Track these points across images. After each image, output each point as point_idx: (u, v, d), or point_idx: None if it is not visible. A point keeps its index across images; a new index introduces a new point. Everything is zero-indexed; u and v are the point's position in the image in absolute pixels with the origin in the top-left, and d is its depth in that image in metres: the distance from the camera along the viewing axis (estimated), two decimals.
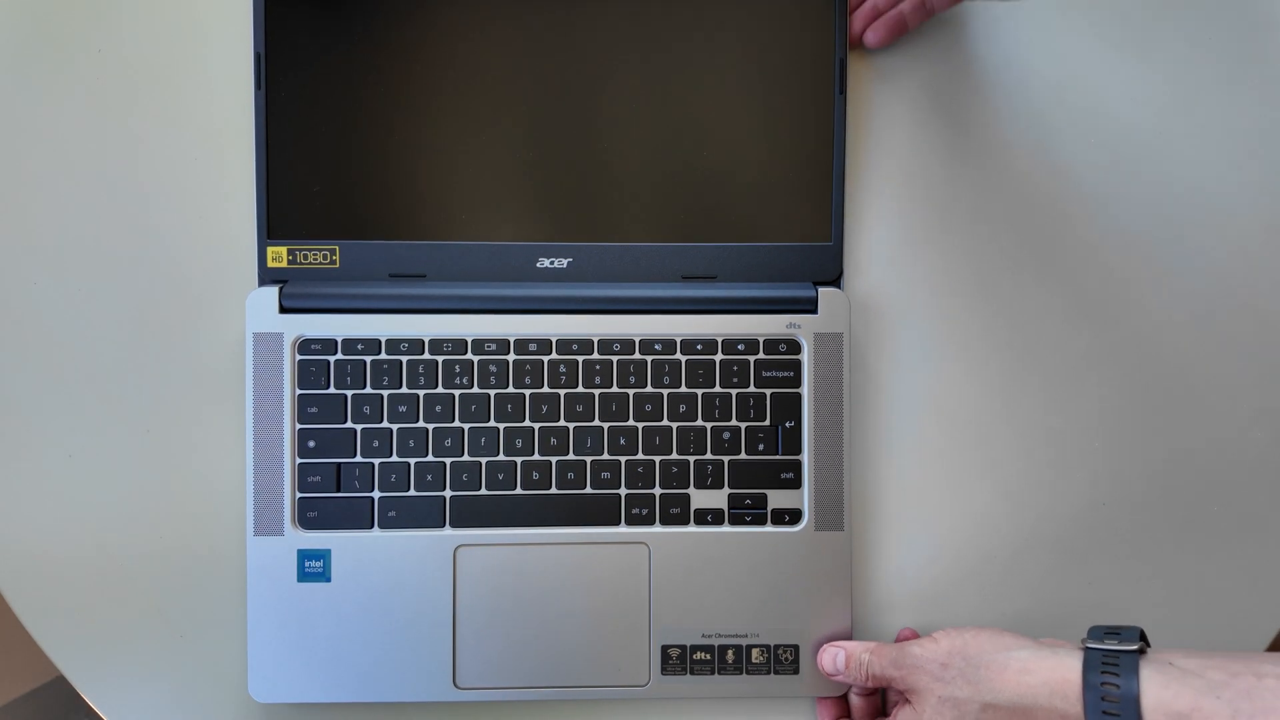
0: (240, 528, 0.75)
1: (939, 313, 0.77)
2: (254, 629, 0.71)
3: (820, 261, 0.74)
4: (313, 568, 0.72)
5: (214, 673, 0.76)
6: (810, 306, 0.74)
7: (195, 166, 0.78)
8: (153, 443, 0.76)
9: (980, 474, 0.76)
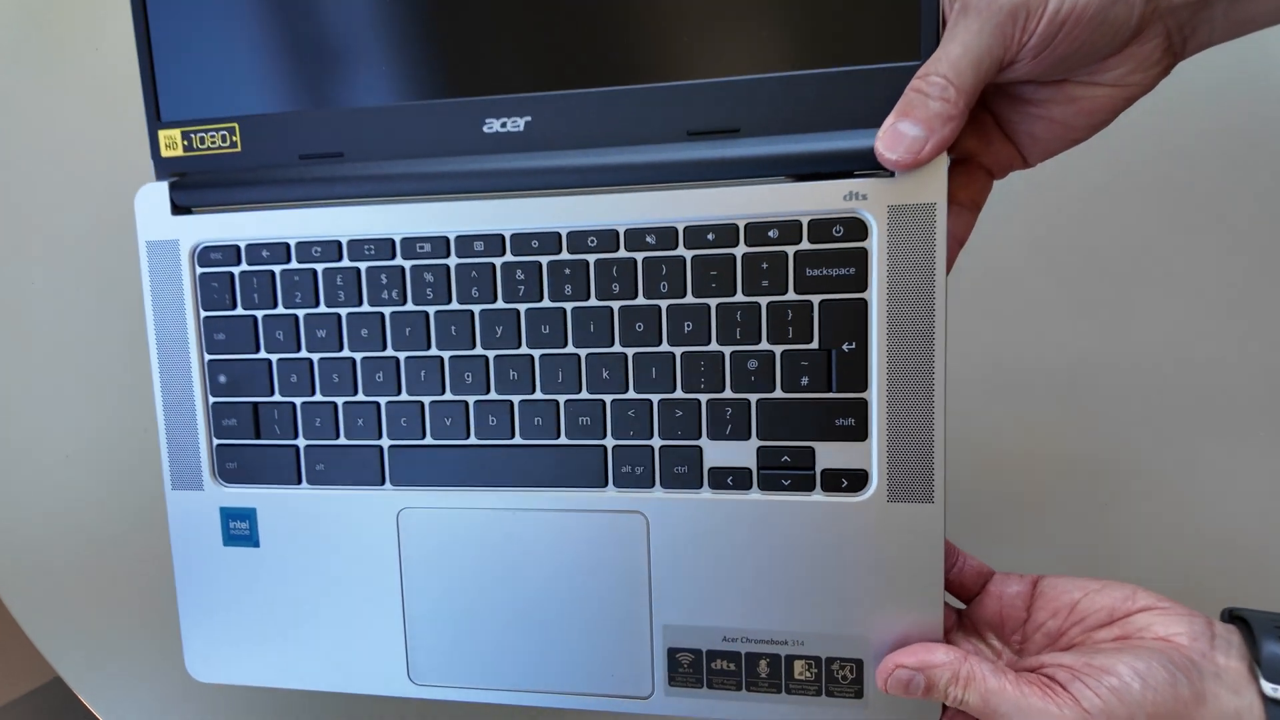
0: None
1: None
2: (184, 598, 0.43)
3: (899, 94, 0.34)
4: (238, 529, 0.41)
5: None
6: (882, 165, 0.34)
7: None
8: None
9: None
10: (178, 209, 0.41)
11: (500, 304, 0.39)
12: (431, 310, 0.39)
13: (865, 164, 0.35)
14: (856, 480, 0.37)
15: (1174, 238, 0.50)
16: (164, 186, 0.41)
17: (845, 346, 0.36)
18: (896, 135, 0.34)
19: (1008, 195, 0.50)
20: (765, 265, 0.36)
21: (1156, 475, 0.51)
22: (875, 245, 0.35)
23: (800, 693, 0.38)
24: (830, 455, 0.37)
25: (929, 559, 0.36)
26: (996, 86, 0.35)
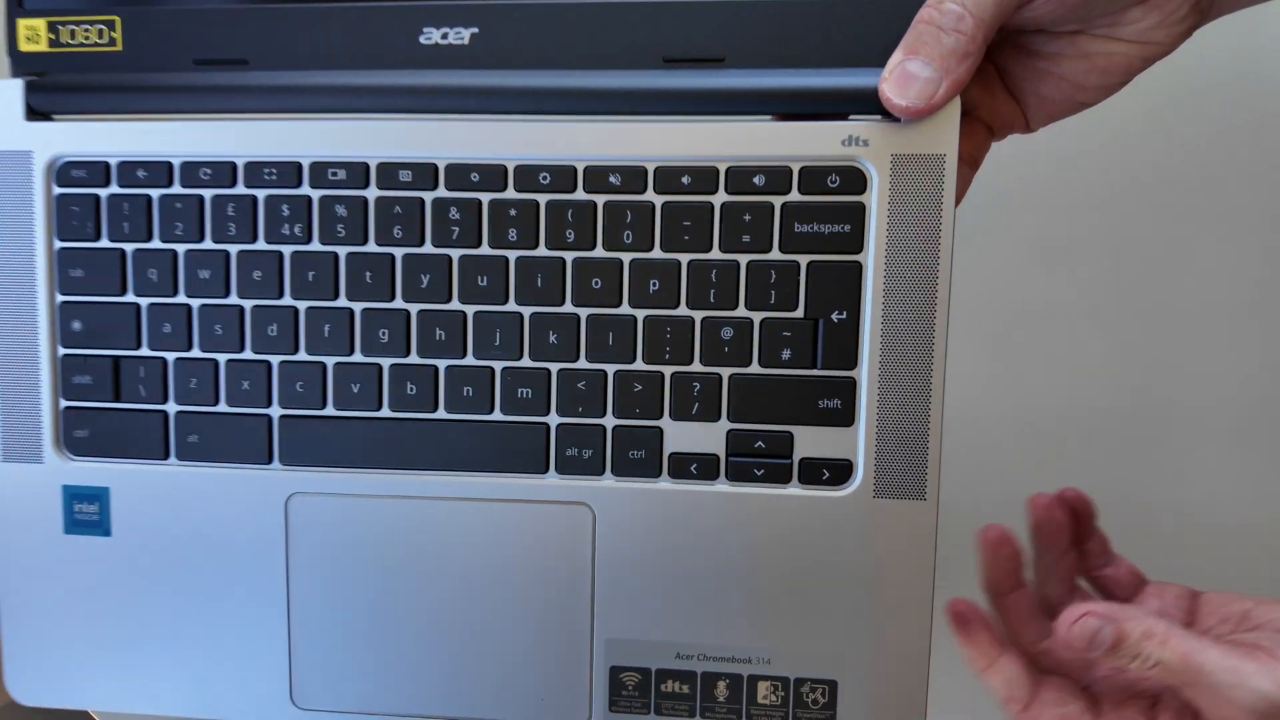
0: None
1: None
2: (8, 597, 0.29)
3: (907, 24, 0.29)
4: (84, 513, 0.32)
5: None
6: (888, 110, 0.29)
7: None
8: None
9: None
10: (34, 114, 0.33)
11: (428, 248, 0.32)
12: (342, 251, 0.32)
13: (865, 106, 0.30)
14: (839, 472, 0.31)
15: (1183, 241, 0.47)
16: (18, 85, 0.33)
17: (834, 316, 0.31)
18: (906, 77, 0.29)
19: (1007, 200, 0.46)
20: (748, 217, 0.31)
21: (1160, 484, 0.48)
22: (875, 200, 0.30)
23: (764, 719, 0.32)
24: (810, 442, 0.31)
25: (919, 565, 0.31)
26: (1004, 35, 0.31)
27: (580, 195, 0.31)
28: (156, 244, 0.32)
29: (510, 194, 0.31)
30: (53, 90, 0.33)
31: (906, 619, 0.31)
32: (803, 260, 0.30)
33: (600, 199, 0.31)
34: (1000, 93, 0.33)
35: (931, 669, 0.31)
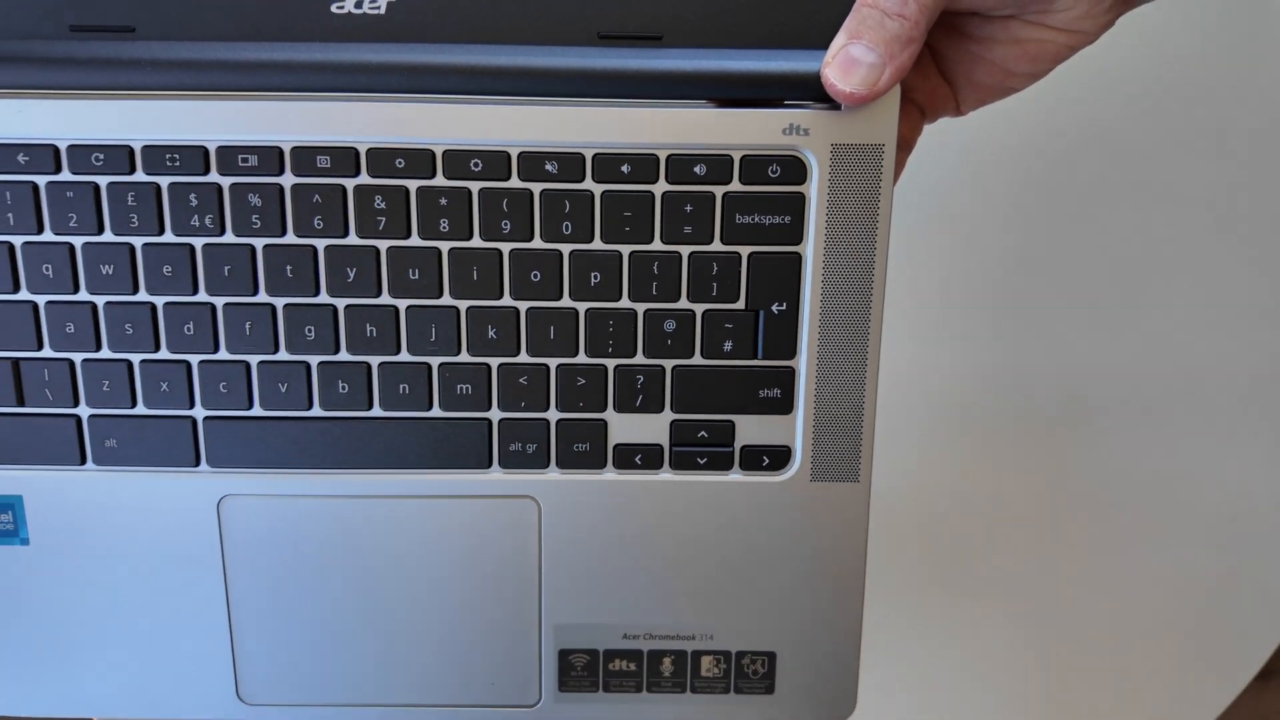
0: None
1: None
2: None
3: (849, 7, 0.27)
4: None
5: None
6: (825, 93, 0.28)
7: None
8: None
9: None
10: None
11: (353, 239, 0.30)
12: (259, 244, 0.29)
13: (804, 91, 0.29)
14: (778, 458, 0.31)
15: (1168, 237, 0.47)
16: None
17: (775, 308, 0.30)
18: (849, 62, 0.27)
19: (989, 193, 0.45)
20: (689, 208, 0.29)
21: (1150, 476, 0.48)
22: (814, 191, 0.29)
23: (707, 690, 0.33)
24: (751, 430, 0.31)
25: (851, 543, 0.32)
26: (940, 18, 0.30)
27: (516, 183, 0.29)
28: (49, 236, 0.29)
29: (440, 181, 0.29)
30: None
31: (841, 593, 0.32)
32: (744, 252, 0.29)
33: (537, 187, 0.29)
34: (934, 75, 0.32)
35: (864, 639, 0.33)
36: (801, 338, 0.30)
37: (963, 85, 0.32)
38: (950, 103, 0.33)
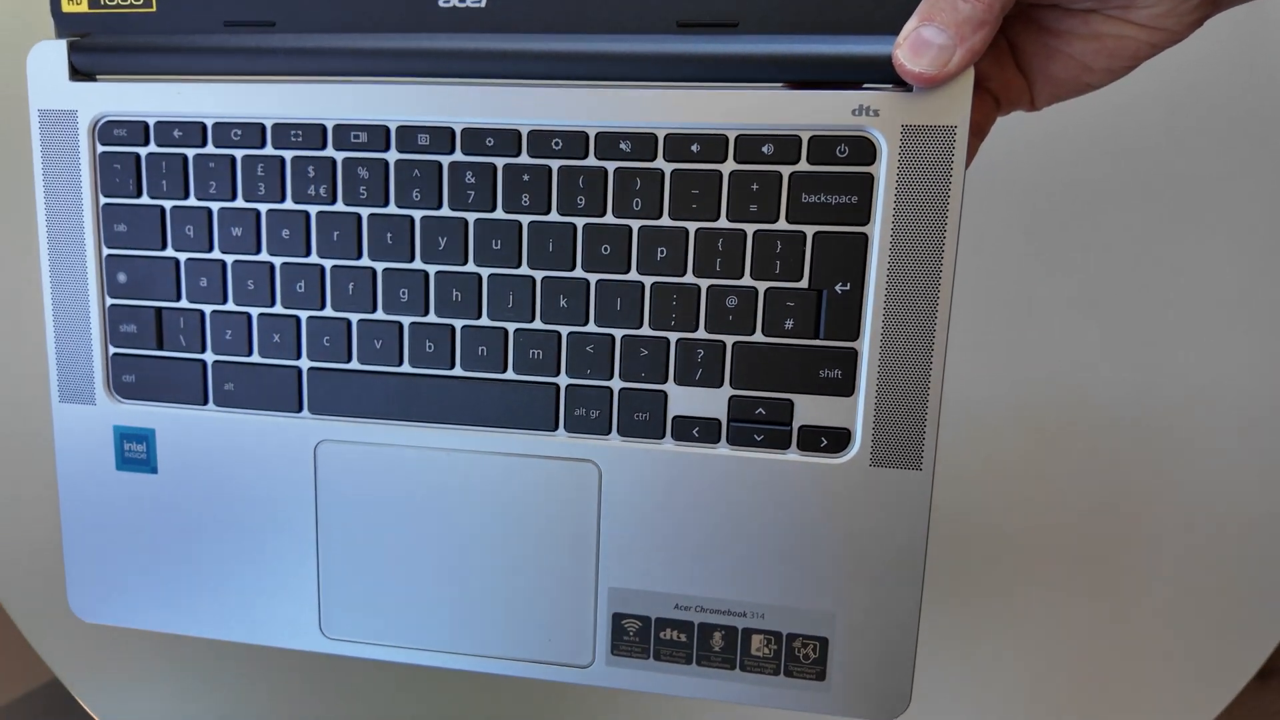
0: None
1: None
2: (69, 527, 0.35)
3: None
4: (134, 452, 0.35)
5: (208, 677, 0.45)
6: (897, 76, 0.28)
7: None
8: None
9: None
10: (78, 74, 0.33)
11: (445, 211, 0.32)
12: (364, 212, 0.32)
13: (878, 74, 0.29)
14: (837, 440, 0.31)
15: (1181, 239, 0.44)
16: (62, 46, 0.33)
17: (838, 288, 0.30)
18: (920, 43, 0.27)
19: (1012, 191, 0.44)
20: (755, 187, 0.30)
21: (1155, 470, 0.46)
22: (884, 171, 0.29)
23: (756, 670, 0.33)
24: (810, 410, 0.31)
25: (912, 533, 0.31)
26: (1019, 9, 0.29)
27: (591, 161, 0.30)
28: (193, 201, 0.33)
29: (524, 159, 0.31)
30: (93, 51, 0.33)
31: (898, 585, 0.31)
32: (809, 231, 0.30)
33: (611, 165, 0.30)
34: (1010, 67, 0.31)
35: (921, 634, 0.31)
36: (865, 319, 0.29)
37: (1038, 79, 0.31)
38: (1025, 96, 0.32)
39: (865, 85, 0.29)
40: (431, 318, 0.32)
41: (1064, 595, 0.45)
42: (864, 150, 0.28)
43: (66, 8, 0.33)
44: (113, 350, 0.34)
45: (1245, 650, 0.45)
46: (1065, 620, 0.45)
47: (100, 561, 0.35)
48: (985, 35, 0.27)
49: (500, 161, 0.30)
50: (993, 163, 0.35)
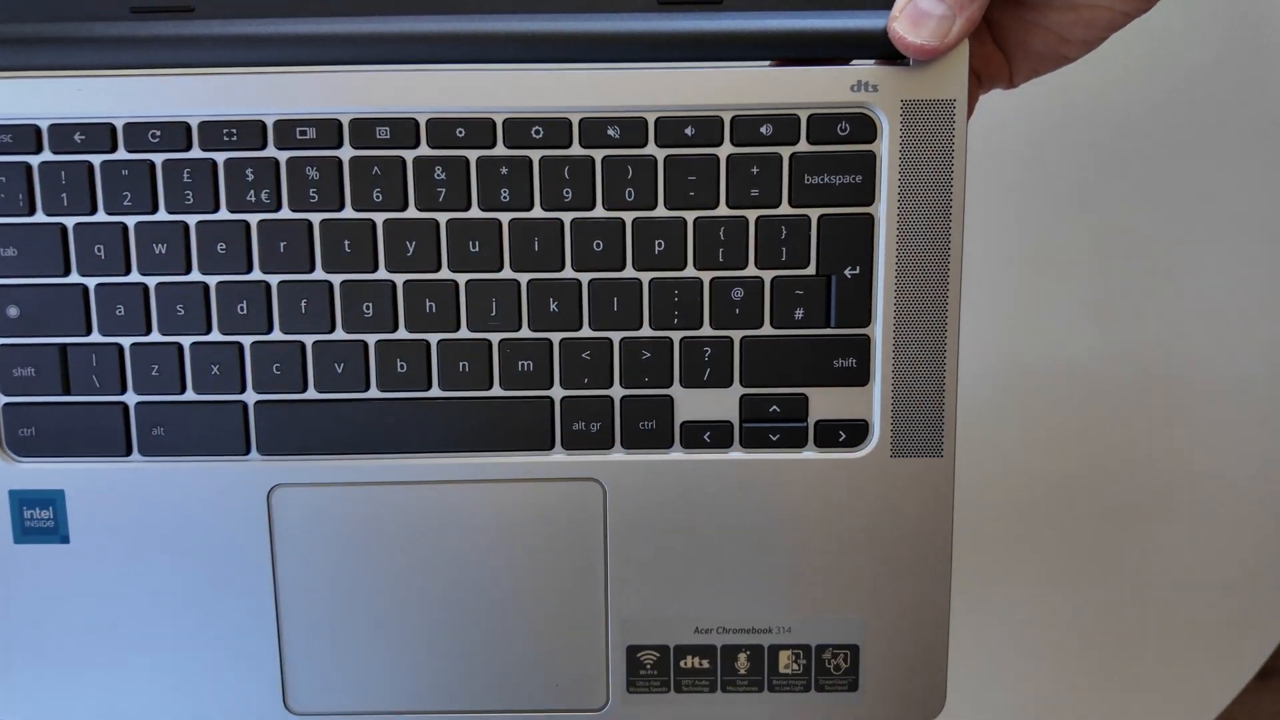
0: None
1: None
2: None
3: None
4: (37, 520, 0.30)
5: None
6: (896, 50, 0.26)
7: None
8: None
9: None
10: None
11: (412, 212, 0.28)
12: (316, 219, 0.28)
13: (868, 50, 0.28)
14: (855, 433, 0.29)
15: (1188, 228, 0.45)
16: None
17: (847, 272, 0.28)
18: (918, 14, 0.26)
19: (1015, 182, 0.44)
20: (755, 170, 0.28)
21: (1166, 443, 0.46)
22: (885, 148, 0.27)
23: (786, 689, 0.30)
24: (825, 403, 0.29)
25: (938, 524, 0.29)
26: None
27: (577, 150, 0.27)
28: (102, 217, 0.28)
29: (500, 150, 0.27)
30: None
31: (927, 578, 0.29)
32: (814, 214, 0.28)
33: (598, 154, 0.27)
34: (989, 43, 0.31)
35: (952, 628, 0.30)
36: (876, 303, 0.28)
37: (1017, 53, 0.31)
38: (1004, 72, 0.31)
39: (854, 61, 0.27)
40: (402, 334, 0.28)
41: (1063, 595, 0.45)
42: (865, 127, 0.27)
43: None
44: (4, 400, 0.28)
45: (1245, 650, 0.46)
46: (1065, 620, 0.45)
47: (4, 654, 0.29)
48: (981, 4, 0.26)
49: (473, 154, 0.27)
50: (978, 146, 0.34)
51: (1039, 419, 0.45)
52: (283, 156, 0.27)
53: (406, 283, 0.28)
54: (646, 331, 0.28)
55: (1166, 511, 0.46)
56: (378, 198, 0.27)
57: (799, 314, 0.28)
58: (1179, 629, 0.46)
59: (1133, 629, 0.46)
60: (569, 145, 0.27)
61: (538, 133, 0.27)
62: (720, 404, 0.29)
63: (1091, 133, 0.44)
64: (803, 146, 0.27)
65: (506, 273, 0.28)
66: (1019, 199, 0.44)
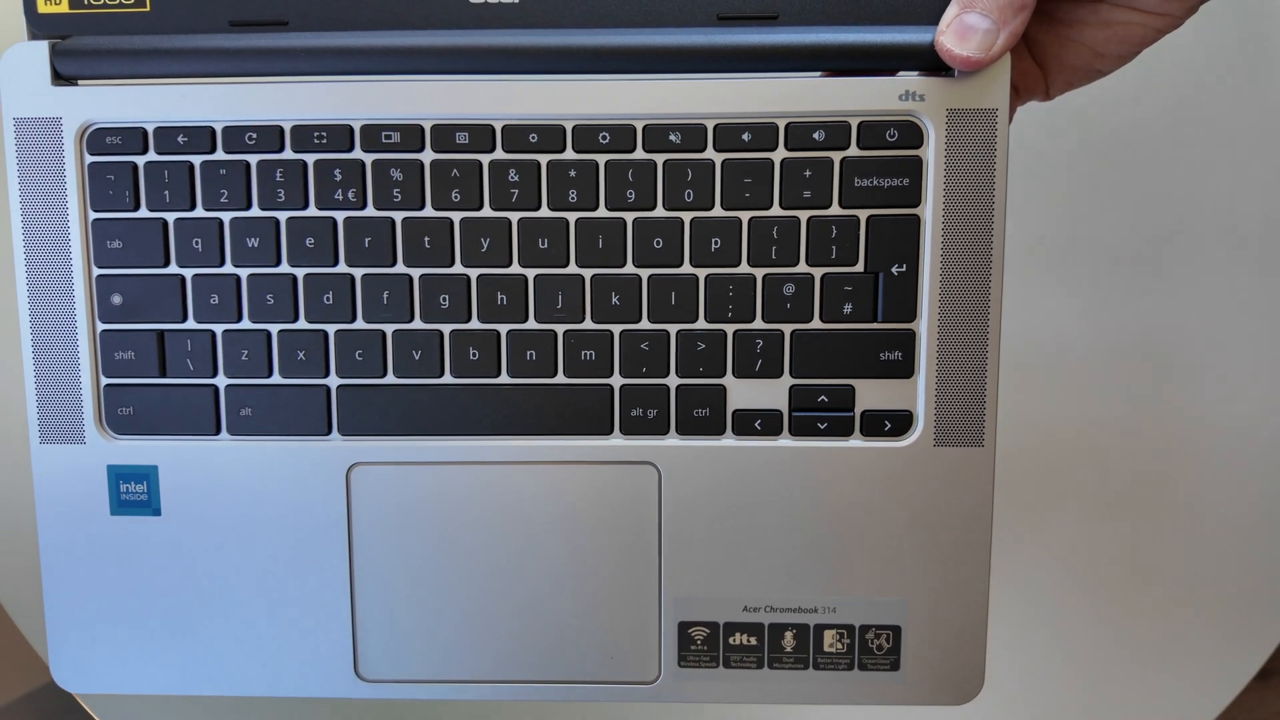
0: None
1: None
2: (52, 581, 0.27)
3: None
4: (132, 493, 0.31)
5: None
6: (941, 62, 0.28)
7: None
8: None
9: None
10: (61, 78, 0.30)
11: (487, 211, 0.30)
12: (398, 216, 0.30)
13: (915, 63, 0.29)
14: (900, 423, 0.30)
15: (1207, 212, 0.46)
16: (43, 48, 0.30)
17: (894, 270, 0.30)
18: (965, 28, 0.28)
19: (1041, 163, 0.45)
20: (808, 173, 0.29)
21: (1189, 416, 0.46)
22: (931, 154, 0.29)
23: (830, 667, 0.31)
24: (872, 394, 0.30)
25: (978, 510, 0.30)
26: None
27: (640, 154, 0.29)
28: (200, 213, 0.30)
29: (569, 155, 0.29)
30: (80, 55, 0.30)
31: (967, 564, 0.30)
32: (862, 215, 0.29)
33: (660, 158, 0.29)
34: (1026, 57, 0.33)
35: (991, 612, 0.31)
36: (922, 299, 0.29)
37: (1053, 67, 0.32)
38: (1040, 85, 0.33)
39: (901, 72, 0.29)
40: (474, 324, 0.30)
41: (1063, 595, 0.45)
42: (912, 134, 0.29)
43: (43, 8, 0.30)
44: (106, 381, 0.30)
45: (1245, 650, 0.46)
46: (1065, 620, 0.45)
47: (92, 622, 0.31)
48: (1024, 18, 0.27)
49: (544, 159, 0.29)
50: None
51: (1038, 417, 0.46)
52: (368, 159, 0.29)
53: (480, 277, 0.30)
54: (702, 324, 0.30)
55: (1167, 512, 0.46)
56: (456, 198, 0.29)
57: (847, 309, 0.30)
58: (1179, 629, 0.46)
59: (1133, 629, 0.46)
60: (633, 150, 0.29)
61: (604, 138, 0.29)
62: (771, 393, 0.30)
63: (1090, 131, 0.45)
64: (853, 151, 0.29)
65: (572, 268, 0.30)
66: (1019, 199, 0.45)
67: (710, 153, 0.29)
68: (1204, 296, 0.45)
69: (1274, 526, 0.46)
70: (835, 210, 0.29)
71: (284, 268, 0.30)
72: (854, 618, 0.31)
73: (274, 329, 0.30)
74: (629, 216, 0.29)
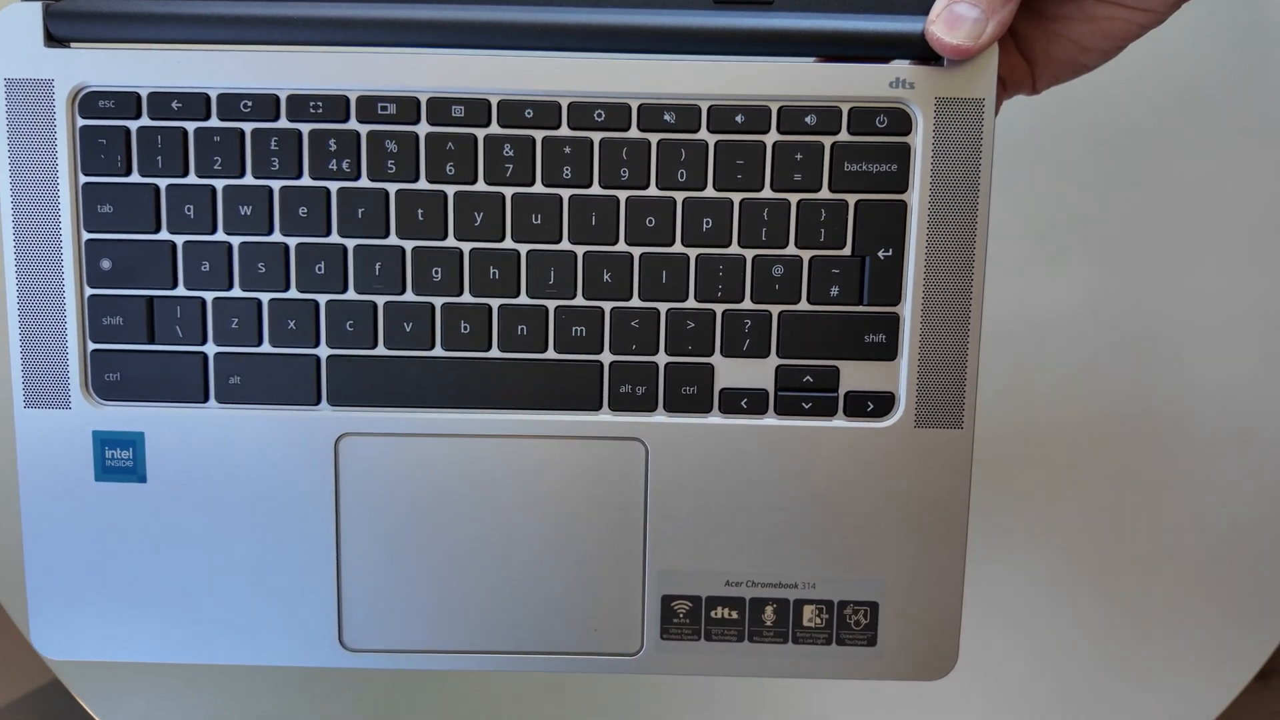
0: None
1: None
2: (33, 547, 0.28)
3: None
4: (117, 460, 0.31)
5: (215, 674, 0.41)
6: (931, 51, 0.29)
7: None
8: None
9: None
10: (54, 40, 0.30)
11: (481, 185, 0.30)
12: (392, 188, 0.30)
13: (905, 51, 0.29)
14: (883, 404, 0.31)
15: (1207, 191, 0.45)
16: (36, 8, 0.29)
17: (881, 254, 0.30)
18: (955, 18, 0.28)
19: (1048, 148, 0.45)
20: (799, 156, 0.30)
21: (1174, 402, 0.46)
22: (919, 141, 0.29)
23: (809, 641, 0.32)
24: (856, 376, 0.31)
25: (955, 491, 0.31)
26: None
27: (635, 133, 0.29)
28: (193, 179, 0.30)
29: (565, 131, 0.29)
30: (73, 16, 0.29)
31: (944, 543, 0.31)
32: (851, 199, 0.30)
33: (654, 137, 0.29)
34: (1013, 52, 0.33)
35: (966, 589, 0.31)
36: (907, 283, 0.29)
37: (1039, 62, 0.33)
38: (1027, 79, 0.33)
39: (893, 60, 0.29)
40: (466, 298, 0.30)
41: (1061, 595, 0.46)
42: (901, 121, 0.29)
43: None
44: (93, 346, 0.30)
45: (1245, 650, 0.46)
46: (1063, 620, 0.45)
47: (75, 589, 0.31)
48: (1012, 9, 0.28)
49: (540, 134, 0.29)
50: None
51: (1036, 416, 0.46)
52: (363, 130, 0.29)
53: (473, 250, 0.30)
54: (691, 303, 0.30)
55: (1167, 512, 0.46)
56: (450, 171, 0.29)
57: (834, 291, 0.30)
58: (1179, 629, 0.46)
59: (1133, 629, 0.46)
60: (628, 129, 0.29)
61: (599, 116, 0.29)
62: (757, 373, 0.30)
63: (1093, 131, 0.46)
64: (843, 136, 0.29)
65: (565, 244, 0.30)
66: (1017, 190, 0.45)
67: (704, 134, 0.29)
68: (1199, 288, 0.45)
69: (1274, 527, 0.46)
70: (825, 194, 0.29)
71: (276, 236, 0.29)
72: (833, 594, 0.31)
73: (265, 297, 0.30)
74: (622, 195, 0.29)
